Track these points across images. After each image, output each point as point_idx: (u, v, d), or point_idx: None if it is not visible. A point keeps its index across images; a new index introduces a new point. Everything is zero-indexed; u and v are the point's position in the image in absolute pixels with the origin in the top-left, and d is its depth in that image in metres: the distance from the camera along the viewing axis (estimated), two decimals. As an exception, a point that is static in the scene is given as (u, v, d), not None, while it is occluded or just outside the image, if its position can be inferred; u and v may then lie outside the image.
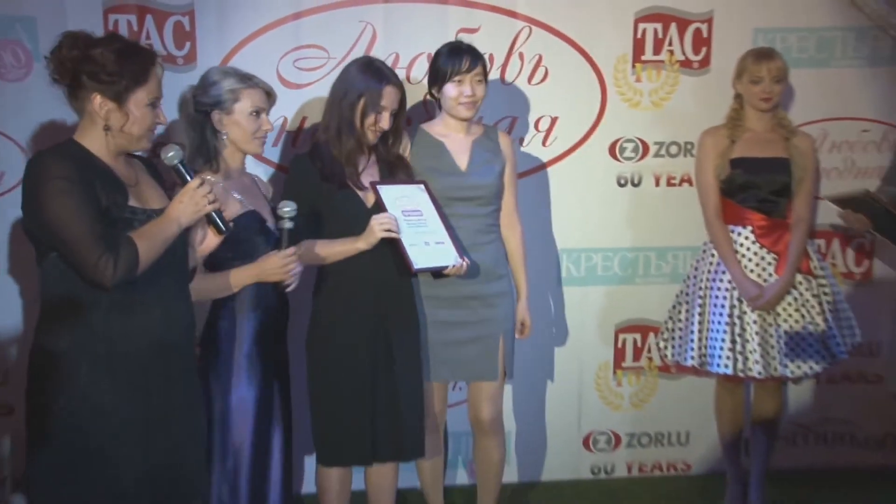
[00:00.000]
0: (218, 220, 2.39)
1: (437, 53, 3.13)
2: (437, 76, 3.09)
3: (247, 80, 2.76)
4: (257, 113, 2.73)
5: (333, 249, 2.88)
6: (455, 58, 3.05)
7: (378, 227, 2.82)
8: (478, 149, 3.17)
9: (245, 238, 2.67)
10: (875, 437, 3.95)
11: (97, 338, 2.26)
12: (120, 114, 2.26)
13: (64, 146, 2.32)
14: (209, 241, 2.51)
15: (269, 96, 2.83)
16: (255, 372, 2.72)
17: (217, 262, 2.62)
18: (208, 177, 2.59)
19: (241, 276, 2.66)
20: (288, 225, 2.67)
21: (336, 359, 2.96)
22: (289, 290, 2.76)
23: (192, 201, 2.30)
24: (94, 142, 2.29)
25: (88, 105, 2.26)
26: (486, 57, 3.36)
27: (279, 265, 2.65)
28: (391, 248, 2.89)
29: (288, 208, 2.65)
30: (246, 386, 2.72)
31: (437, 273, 3.00)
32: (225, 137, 2.73)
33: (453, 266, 2.93)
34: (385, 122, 2.94)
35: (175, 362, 2.41)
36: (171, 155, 2.34)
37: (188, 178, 2.34)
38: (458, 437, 3.75)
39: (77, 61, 2.24)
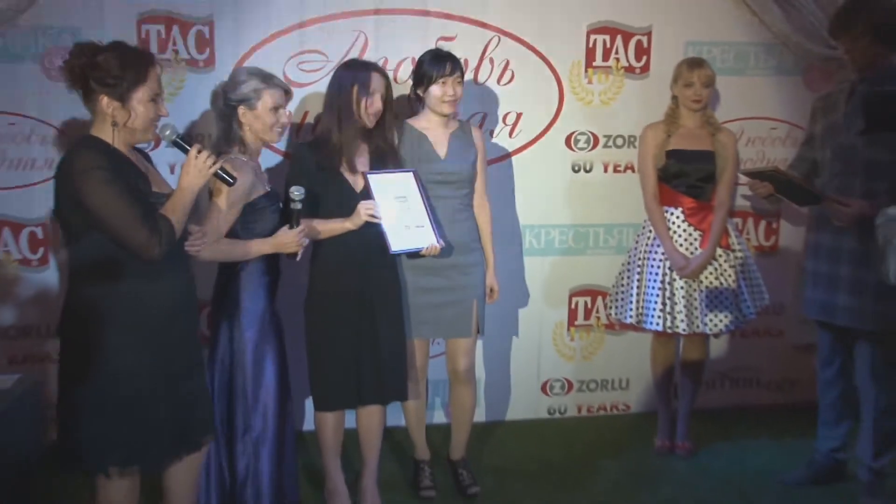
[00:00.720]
0: (224, 175, 2.55)
1: (422, 59, 3.34)
2: (423, 78, 3.30)
3: (269, 80, 2.97)
4: (276, 109, 2.94)
5: (327, 227, 3.09)
6: (439, 63, 3.28)
7: (364, 212, 3.06)
8: (455, 140, 3.39)
9: (261, 211, 2.88)
10: (776, 381, 4.38)
11: (123, 305, 2.43)
12: (124, 111, 2.41)
13: (89, 141, 2.46)
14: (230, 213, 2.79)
15: (287, 94, 3.04)
16: (273, 325, 2.96)
17: (236, 230, 2.84)
18: (241, 157, 2.85)
19: (260, 246, 2.88)
20: (297, 206, 2.90)
21: (327, 320, 3.17)
22: (297, 259, 2.97)
23: (196, 169, 2.46)
24: (109, 137, 2.44)
25: (98, 105, 2.42)
26: (462, 61, 3.56)
27: (293, 239, 2.89)
28: (375, 228, 3.09)
29: (298, 192, 2.89)
30: (271, 336, 2.94)
31: (414, 254, 3.22)
32: (248, 128, 2.92)
33: (427, 248, 3.17)
34: (377, 103, 3.13)
35: (184, 322, 2.61)
36: (168, 133, 2.52)
37: (187, 148, 2.49)
38: (437, 385, 4.03)
39: (85, 68, 2.39)
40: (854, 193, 3.11)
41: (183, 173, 2.47)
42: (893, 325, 3.12)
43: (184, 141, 2.51)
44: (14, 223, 3.57)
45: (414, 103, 3.46)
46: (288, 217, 2.94)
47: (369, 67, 3.17)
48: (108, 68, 2.38)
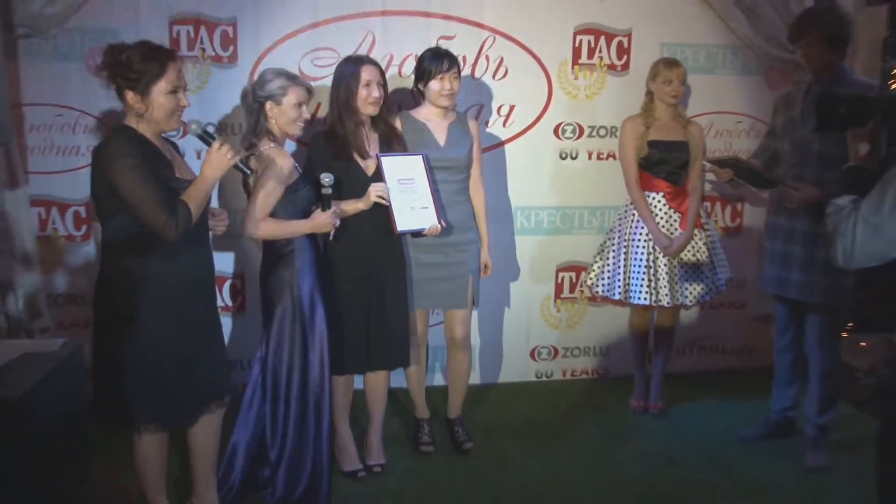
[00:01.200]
0: (243, 167, 2.70)
1: (422, 56, 3.48)
2: (423, 74, 3.45)
3: (293, 79, 3.12)
4: (300, 105, 3.08)
5: (343, 207, 3.19)
6: (438, 60, 3.42)
7: (374, 193, 3.21)
8: (453, 130, 3.54)
9: (298, 191, 3.04)
10: (738, 349, 4.63)
11: (148, 278, 2.58)
12: (145, 104, 2.55)
13: (122, 131, 2.58)
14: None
15: (309, 92, 3.17)
16: (321, 291, 3.13)
17: (276, 210, 2.99)
18: (271, 145, 3.02)
19: (301, 227, 3.05)
20: (328, 191, 3.05)
21: (339, 293, 3.31)
22: (331, 238, 3.16)
23: (217, 161, 2.57)
24: (140, 126, 2.60)
25: (125, 99, 2.57)
26: (460, 58, 3.73)
27: (327, 220, 3.06)
28: (384, 208, 3.24)
29: (328, 179, 3.04)
30: (320, 302, 3.12)
31: (417, 234, 3.35)
32: (274, 122, 3.06)
33: (429, 228, 3.29)
34: (374, 92, 3.24)
35: (203, 293, 2.77)
36: (194, 127, 2.66)
37: (210, 141, 2.62)
38: (436, 351, 4.25)
39: (112, 66, 2.54)
40: (807, 182, 3.35)
41: (205, 164, 2.60)
42: (838, 299, 3.40)
43: (207, 135, 2.67)
44: (61, 203, 3.84)
45: (416, 96, 3.62)
46: (320, 200, 3.09)
47: (361, 61, 3.28)
48: (130, 65, 2.52)
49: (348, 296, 3.33)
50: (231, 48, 3.86)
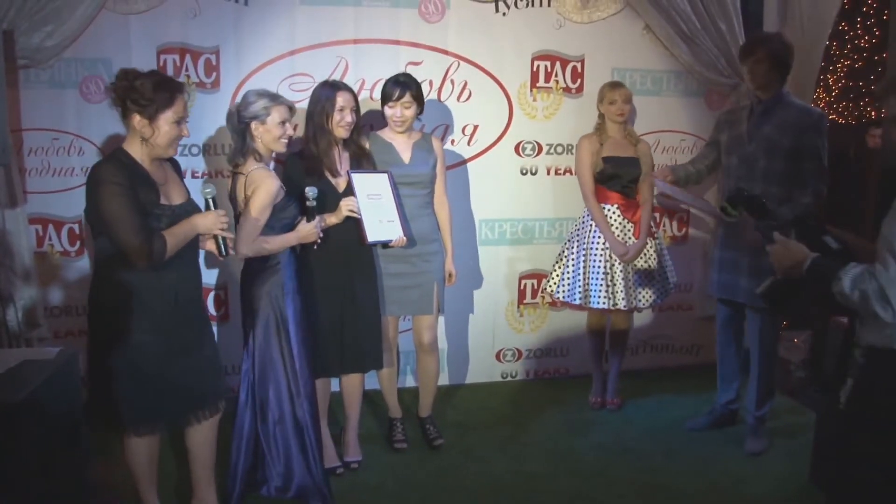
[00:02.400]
0: (222, 244, 2.82)
1: (385, 82, 3.57)
2: (382, 99, 3.57)
3: (276, 98, 3.14)
4: (283, 122, 3.11)
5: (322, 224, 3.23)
6: (391, 88, 3.52)
7: (345, 208, 3.28)
8: (417, 148, 3.63)
9: (285, 206, 3.08)
10: (686, 347, 4.80)
11: (135, 293, 2.62)
12: (151, 129, 2.60)
13: (116, 155, 2.63)
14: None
15: (291, 110, 3.19)
16: (301, 299, 3.20)
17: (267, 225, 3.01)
18: (265, 167, 3.07)
19: (290, 239, 3.11)
20: (313, 203, 3.12)
21: (316, 300, 3.35)
22: (315, 247, 3.23)
23: (212, 221, 2.72)
24: (137, 150, 2.64)
25: (131, 122, 2.61)
26: (426, 83, 3.97)
27: (312, 230, 3.12)
28: (356, 222, 3.30)
29: (311, 192, 3.10)
30: (301, 311, 3.18)
31: (385, 245, 3.43)
32: (259, 140, 3.09)
33: (396, 240, 3.37)
34: (348, 117, 3.31)
35: (190, 307, 2.79)
36: (208, 191, 2.80)
37: (213, 207, 2.78)
38: (407, 354, 4.33)
39: (125, 90, 2.59)
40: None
41: (202, 215, 2.73)
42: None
43: (215, 203, 2.81)
44: (57, 221, 3.93)
45: (379, 117, 3.70)
46: (305, 213, 3.14)
47: (337, 87, 3.34)
48: (143, 92, 2.58)
49: (324, 303, 3.39)
50: (214, 75, 3.96)
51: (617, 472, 3.55)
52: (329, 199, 3.34)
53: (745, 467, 3.60)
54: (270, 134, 3.12)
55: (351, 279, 3.44)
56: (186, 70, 3.93)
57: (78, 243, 3.99)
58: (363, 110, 3.64)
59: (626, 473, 3.54)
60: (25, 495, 2.47)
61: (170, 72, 3.90)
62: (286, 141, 3.19)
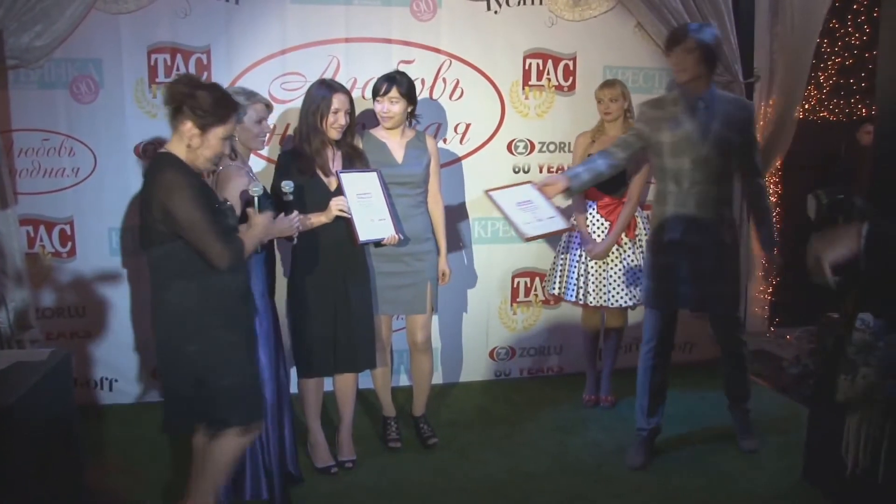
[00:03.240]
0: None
1: (376, 81, 3.58)
2: (373, 95, 3.57)
3: (252, 96, 3.14)
4: (260, 121, 3.12)
5: (307, 221, 3.24)
6: (379, 83, 3.53)
7: (335, 207, 3.26)
8: (410, 147, 3.62)
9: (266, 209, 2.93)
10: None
11: (211, 295, 2.64)
12: (200, 139, 2.63)
13: (170, 158, 2.62)
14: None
15: (268, 107, 3.21)
16: (269, 306, 3.13)
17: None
18: (235, 163, 3.03)
19: (263, 233, 2.89)
20: (289, 198, 3.08)
21: (307, 300, 3.38)
22: (293, 242, 3.16)
23: (287, 225, 2.88)
24: (182, 154, 2.64)
25: (182, 126, 2.61)
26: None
27: (288, 225, 3.03)
28: (347, 221, 3.28)
29: (287, 186, 3.07)
30: (268, 314, 3.10)
31: (377, 244, 3.40)
32: (237, 138, 3.05)
33: (388, 238, 3.34)
34: (342, 119, 3.33)
35: (250, 304, 2.87)
36: (256, 189, 2.82)
37: (258, 206, 2.79)
38: (401, 354, 4.35)
39: (184, 95, 2.59)
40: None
41: (278, 221, 2.85)
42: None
43: (261, 201, 2.82)
44: (48, 222, 3.93)
45: (372, 116, 3.68)
46: (283, 207, 3.08)
47: (333, 89, 3.34)
48: (202, 102, 2.59)
49: (316, 303, 3.39)
50: (205, 74, 3.96)
51: (611, 470, 3.56)
52: (320, 199, 3.33)
53: (738, 464, 3.60)
54: (247, 132, 3.12)
55: (343, 279, 3.43)
56: (177, 69, 3.94)
57: (69, 244, 3.99)
58: (358, 110, 3.62)
59: (621, 472, 3.54)
60: (20, 498, 2.47)
61: (160, 71, 3.91)
62: (264, 139, 3.22)
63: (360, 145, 3.58)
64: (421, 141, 3.70)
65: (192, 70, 3.96)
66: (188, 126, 2.61)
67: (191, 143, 2.64)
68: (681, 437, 3.87)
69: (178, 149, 2.66)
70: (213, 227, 2.57)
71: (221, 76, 3.98)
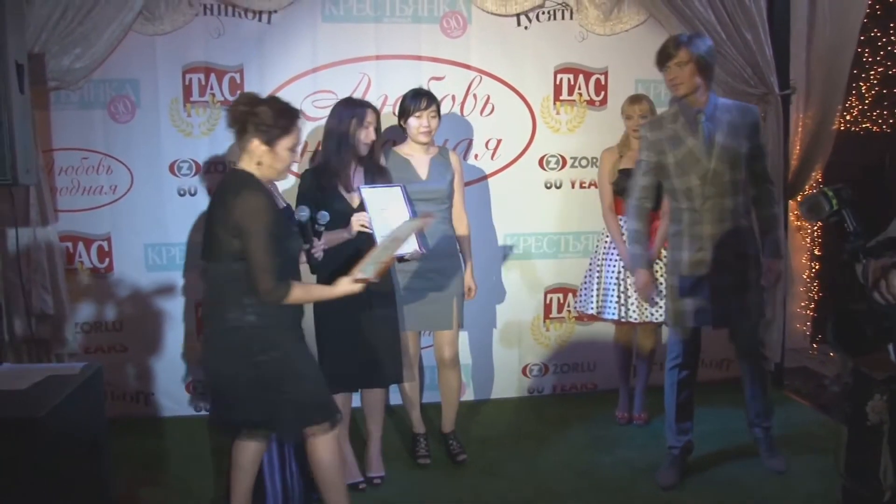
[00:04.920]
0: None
1: (405, 96, 3.59)
2: (404, 111, 3.58)
3: None
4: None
5: (329, 237, 3.24)
6: (416, 99, 3.54)
7: (356, 222, 3.29)
8: (434, 164, 3.63)
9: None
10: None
11: (285, 314, 2.72)
12: (270, 154, 2.66)
13: (247, 177, 2.65)
14: None
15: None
16: None
17: None
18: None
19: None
20: (321, 228, 3.09)
21: (333, 316, 3.37)
22: (317, 258, 3.10)
23: (347, 289, 2.76)
24: (255, 171, 2.68)
25: (249, 145, 2.65)
26: (449, 97, 4.01)
27: (316, 252, 3.06)
28: (370, 237, 3.23)
29: (303, 213, 3.03)
30: None
31: (400, 259, 3.37)
32: None
33: (411, 253, 3.27)
34: (371, 135, 3.38)
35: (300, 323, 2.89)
36: (303, 214, 2.88)
37: (304, 230, 2.87)
38: (432, 370, 4.26)
39: (246, 114, 2.63)
40: (726, 212, 3.34)
41: (345, 283, 2.77)
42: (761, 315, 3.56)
43: (308, 227, 2.89)
44: (86, 238, 4.03)
45: (400, 133, 3.74)
46: (304, 236, 3.09)
47: (365, 105, 3.42)
48: (265, 118, 2.63)
49: (341, 319, 3.38)
50: (238, 93, 3.97)
51: (642, 489, 3.50)
52: (342, 215, 3.34)
53: (773, 486, 3.51)
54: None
55: (368, 294, 3.25)
56: (211, 89, 4.03)
57: (107, 260, 4.08)
58: (385, 126, 3.67)
59: (652, 491, 3.48)
60: (47, 508, 2.53)
61: (195, 90, 4.01)
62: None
63: (386, 162, 3.61)
64: (444, 157, 3.72)
65: (225, 90, 4.06)
66: (255, 143, 2.65)
67: (262, 161, 2.68)
68: (715, 455, 3.79)
69: (249, 166, 2.70)
70: (273, 264, 2.60)
71: (254, 95, 4.06)
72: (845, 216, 2.46)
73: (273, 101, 2.73)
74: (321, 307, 3.43)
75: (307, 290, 2.80)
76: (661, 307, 3.93)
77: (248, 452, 2.88)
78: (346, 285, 2.80)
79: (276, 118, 2.65)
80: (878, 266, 2.23)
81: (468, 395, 4.38)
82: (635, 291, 3.78)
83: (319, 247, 3.19)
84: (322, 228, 3.17)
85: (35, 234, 3.77)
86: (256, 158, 2.68)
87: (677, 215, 3.46)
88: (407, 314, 3.65)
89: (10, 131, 2.58)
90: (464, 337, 4.15)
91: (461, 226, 3.75)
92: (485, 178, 4.35)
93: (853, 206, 2.51)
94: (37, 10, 3.61)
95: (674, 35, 3.51)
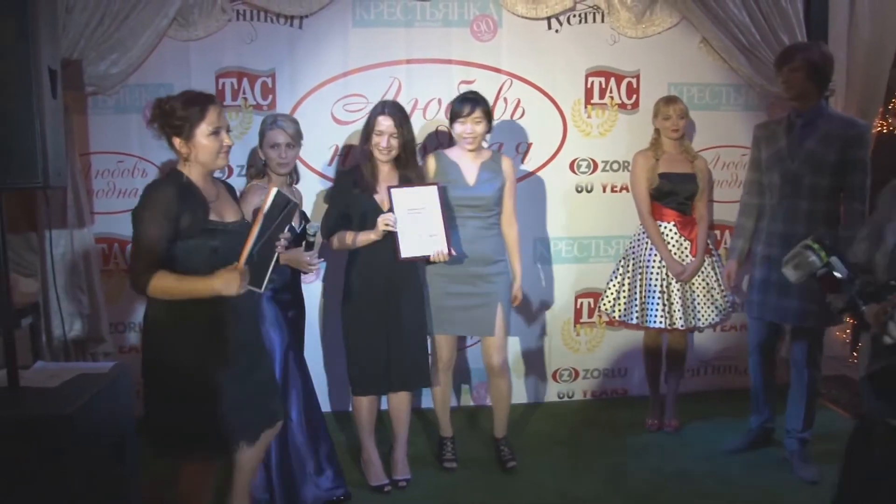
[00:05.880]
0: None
1: (453, 100, 3.57)
2: (452, 116, 3.55)
3: (274, 122, 3.32)
4: (274, 145, 3.28)
5: (358, 238, 3.35)
6: (460, 104, 3.50)
7: (381, 223, 3.30)
8: (484, 169, 3.57)
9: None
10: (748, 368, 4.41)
11: (178, 314, 2.56)
12: (190, 146, 2.56)
13: (171, 175, 2.63)
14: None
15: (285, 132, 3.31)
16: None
17: None
18: (260, 183, 3.19)
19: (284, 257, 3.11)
20: (311, 239, 3.25)
21: (360, 318, 3.42)
22: (306, 280, 3.29)
23: (230, 282, 2.47)
24: (188, 170, 2.61)
25: (174, 146, 2.58)
26: None
27: (306, 261, 3.23)
28: (394, 238, 3.31)
29: (312, 230, 3.24)
30: (286, 341, 3.23)
31: (426, 260, 3.42)
32: (264, 159, 3.30)
33: (435, 254, 3.33)
34: (383, 143, 3.34)
35: (237, 329, 2.67)
36: (312, 231, 3.07)
37: (308, 245, 3.04)
38: (476, 372, 4.37)
39: (159, 117, 2.58)
40: (801, 214, 3.42)
41: (217, 278, 2.47)
42: (827, 322, 3.53)
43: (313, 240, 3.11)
44: (122, 240, 4.08)
45: (443, 135, 3.80)
46: (306, 243, 3.27)
47: (376, 112, 3.39)
48: (174, 113, 2.55)
49: (368, 321, 3.42)
50: (270, 97, 4.09)
51: (670, 497, 3.45)
52: (372, 217, 3.37)
53: (804, 496, 3.43)
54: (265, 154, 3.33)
55: (395, 296, 3.44)
56: (244, 93, 4.08)
57: (141, 262, 4.12)
58: (416, 130, 3.65)
59: (680, 499, 3.42)
60: (73, 506, 2.56)
61: (227, 95, 4.05)
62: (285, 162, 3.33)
63: (432, 165, 3.60)
64: (496, 162, 3.64)
65: (258, 94, 4.10)
66: (176, 142, 2.59)
67: (187, 157, 2.60)
68: (744, 464, 3.74)
69: (181, 165, 2.65)
70: (147, 249, 2.49)
71: (286, 99, 4.10)
72: (835, 265, 2.38)
73: (181, 94, 2.64)
74: (349, 308, 3.42)
75: (177, 281, 2.51)
76: (705, 312, 3.94)
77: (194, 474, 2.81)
78: (222, 280, 2.50)
79: (185, 108, 2.57)
80: (879, 310, 2.17)
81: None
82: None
83: (313, 257, 3.26)
84: (312, 239, 3.26)
85: (72, 235, 3.83)
86: (183, 155, 2.61)
87: (761, 211, 3.68)
88: (444, 318, 3.62)
89: (43, 136, 2.60)
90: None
91: (511, 233, 3.69)
92: (516, 181, 4.25)
93: (837, 251, 2.44)
94: (76, 18, 3.69)
95: (796, 43, 3.73)
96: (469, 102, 3.51)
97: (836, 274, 2.34)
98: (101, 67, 3.81)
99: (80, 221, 3.86)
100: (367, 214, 3.39)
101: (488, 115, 3.55)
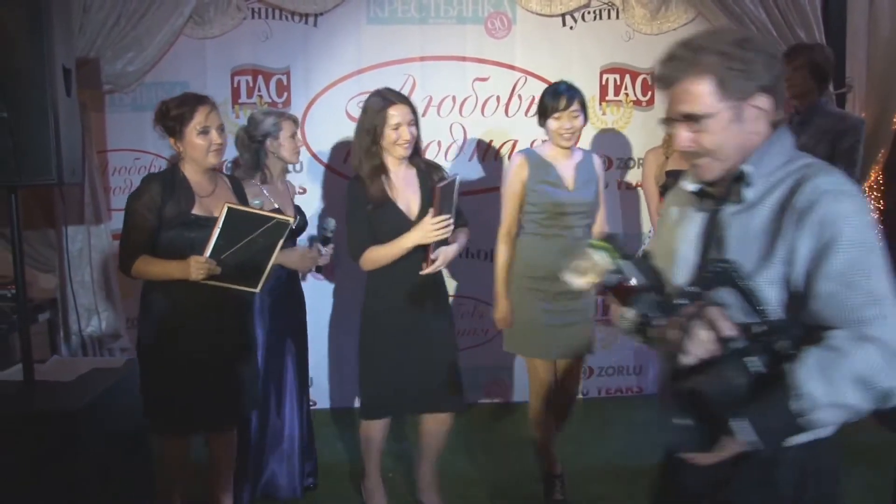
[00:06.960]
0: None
1: (543, 93, 3.18)
2: (542, 111, 3.13)
3: (282, 115, 3.25)
4: (293, 136, 3.22)
5: (401, 244, 2.88)
6: (554, 98, 3.08)
7: (433, 229, 2.80)
8: (581, 171, 3.19)
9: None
10: None
11: (159, 306, 2.73)
12: (183, 145, 2.72)
13: (165, 171, 2.81)
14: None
15: (295, 122, 3.28)
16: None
17: None
18: (256, 183, 3.14)
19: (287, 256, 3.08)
20: (329, 234, 3.22)
21: (380, 333, 3.02)
22: (304, 279, 3.24)
23: (197, 271, 2.56)
24: (184, 166, 2.75)
25: (172, 145, 2.77)
26: (493, 98, 3.98)
27: (310, 258, 3.20)
28: (423, 248, 2.88)
29: (330, 226, 3.23)
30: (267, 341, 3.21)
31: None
32: (273, 154, 3.17)
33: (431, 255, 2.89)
34: (405, 134, 2.89)
35: (214, 322, 2.78)
36: (327, 227, 3.09)
37: (322, 244, 3.08)
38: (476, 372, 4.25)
39: (158, 120, 2.75)
40: None
41: (187, 264, 2.57)
42: None
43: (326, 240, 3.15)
44: None
45: (456, 131, 3.74)
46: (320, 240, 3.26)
47: (381, 106, 2.92)
48: (168, 114, 2.72)
49: (390, 337, 3.02)
50: (285, 94, 4.10)
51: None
52: (395, 226, 2.93)
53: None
54: (284, 148, 3.23)
55: (422, 311, 3.03)
56: (259, 91, 4.09)
57: (157, 258, 4.14)
58: (429, 128, 3.66)
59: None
60: (85, 500, 2.57)
61: (243, 92, 4.07)
62: (299, 152, 3.34)
63: (523, 167, 3.16)
64: (589, 163, 3.28)
65: (273, 91, 4.11)
66: (172, 141, 2.76)
67: (182, 155, 2.77)
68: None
69: (181, 162, 2.81)
70: (132, 241, 2.70)
71: (300, 96, 4.11)
72: (625, 269, 1.69)
73: (175, 97, 2.79)
74: (368, 322, 3.06)
75: (152, 265, 2.69)
76: None
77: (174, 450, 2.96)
78: (183, 265, 2.61)
79: (177, 108, 2.72)
80: (673, 324, 1.56)
81: (508, 397, 4.35)
82: None
83: (327, 253, 3.26)
84: (330, 234, 3.25)
85: (89, 232, 3.86)
86: (180, 154, 2.77)
87: None
88: (541, 340, 3.21)
89: (57, 133, 2.63)
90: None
91: None
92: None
93: (629, 254, 1.75)
94: (93, 17, 3.71)
95: (799, 43, 3.78)
96: (564, 96, 3.10)
97: (632, 281, 1.69)
98: (117, 66, 3.83)
99: (96, 218, 3.88)
100: (397, 226, 2.93)
101: (584, 106, 3.17)
